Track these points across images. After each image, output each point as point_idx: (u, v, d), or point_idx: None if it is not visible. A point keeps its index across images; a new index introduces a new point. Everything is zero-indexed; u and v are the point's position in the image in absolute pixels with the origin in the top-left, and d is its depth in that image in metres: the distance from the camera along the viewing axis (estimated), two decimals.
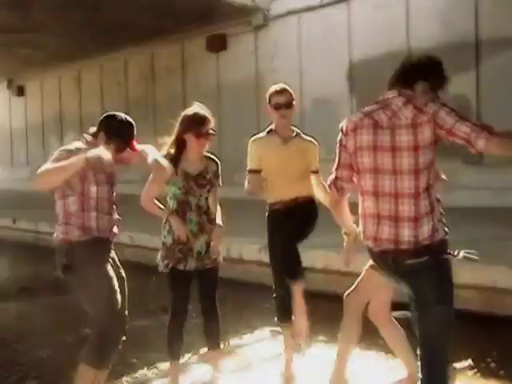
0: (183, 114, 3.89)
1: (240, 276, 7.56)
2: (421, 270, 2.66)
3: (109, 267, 3.48)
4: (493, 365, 4.56)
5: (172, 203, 3.89)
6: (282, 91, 4.17)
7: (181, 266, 3.84)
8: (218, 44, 14.86)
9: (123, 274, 3.65)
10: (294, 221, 4.16)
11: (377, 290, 3.58)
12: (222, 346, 4.20)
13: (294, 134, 4.26)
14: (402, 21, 11.35)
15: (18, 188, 20.15)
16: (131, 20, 13.90)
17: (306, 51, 13.13)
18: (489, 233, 7.46)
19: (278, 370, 4.39)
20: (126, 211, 3.88)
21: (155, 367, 4.73)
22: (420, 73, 2.78)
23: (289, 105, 4.16)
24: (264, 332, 5.57)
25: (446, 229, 2.76)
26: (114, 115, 3.50)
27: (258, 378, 4.45)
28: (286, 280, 4.13)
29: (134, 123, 3.51)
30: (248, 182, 4.21)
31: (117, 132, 3.42)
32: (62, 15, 13.48)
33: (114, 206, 3.61)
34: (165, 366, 4.46)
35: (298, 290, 4.11)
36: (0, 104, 25.49)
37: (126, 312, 3.62)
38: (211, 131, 3.88)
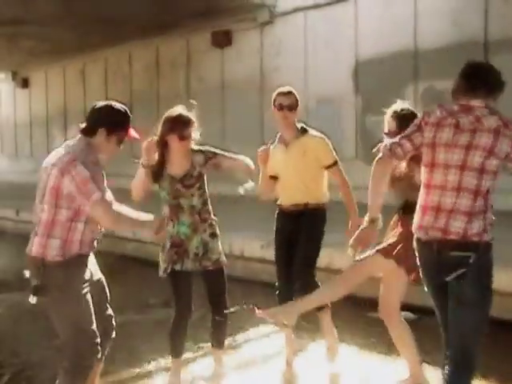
0: (166, 115, 3.83)
1: (241, 273, 7.57)
2: (463, 265, 2.71)
3: (85, 284, 3.24)
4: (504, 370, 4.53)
5: (164, 208, 3.91)
6: (287, 93, 4.24)
7: (177, 267, 3.85)
8: (223, 39, 14.83)
9: (101, 278, 3.48)
10: (301, 236, 4.21)
11: (380, 273, 3.71)
12: (226, 344, 4.21)
13: (299, 131, 4.26)
14: (410, 20, 11.29)
15: (21, 179, 20.17)
16: (136, 14, 13.89)
17: (312, 49, 13.09)
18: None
19: (279, 368, 4.40)
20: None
21: (156, 362, 4.73)
22: (499, 86, 2.97)
23: (292, 107, 4.20)
24: (267, 329, 5.57)
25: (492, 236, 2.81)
26: (110, 107, 3.29)
27: (259, 375, 4.46)
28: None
29: (127, 109, 3.35)
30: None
31: (118, 124, 3.28)
32: (67, 8, 13.46)
33: None
34: (166, 360, 4.46)
35: (324, 318, 4.25)
36: (5, 96, 25.53)
37: (110, 311, 3.52)
38: (193, 134, 3.82)
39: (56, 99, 21.84)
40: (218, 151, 3.95)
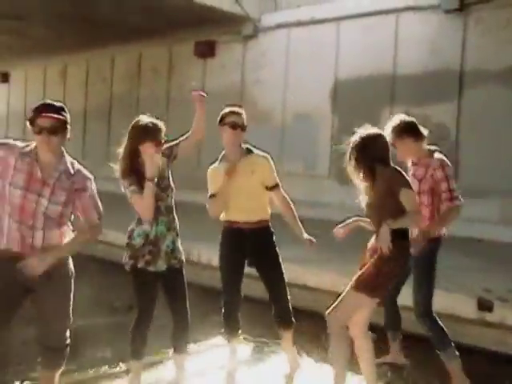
0: (135, 124, 3.84)
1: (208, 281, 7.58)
2: None
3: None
4: None
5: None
6: (239, 113, 4.33)
7: (151, 268, 3.86)
8: (206, 50, 14.90)
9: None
10: (261, 255, 4.32)
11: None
12: (188, 348, 4.20)
13: (245, 151, 4.34)
14: (390, 45, 11.52)
15: None
16: (121, 19, 13.92)
17: (293, 66, 13.25)
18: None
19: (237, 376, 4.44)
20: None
21: (118, 365, 4.73)
22: None
23: (244, 127, 4.30)
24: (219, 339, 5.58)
25: None
26: None
27: (220, 381, 4.48)
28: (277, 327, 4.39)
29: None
30: (208, 206, 4.31)
31: (32, 118, 3.25)
32: (52, 7, 13.43)
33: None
34: (128, 364, 4.45)
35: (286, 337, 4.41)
36: None
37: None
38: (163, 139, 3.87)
39: (35, 97, 21.63)
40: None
